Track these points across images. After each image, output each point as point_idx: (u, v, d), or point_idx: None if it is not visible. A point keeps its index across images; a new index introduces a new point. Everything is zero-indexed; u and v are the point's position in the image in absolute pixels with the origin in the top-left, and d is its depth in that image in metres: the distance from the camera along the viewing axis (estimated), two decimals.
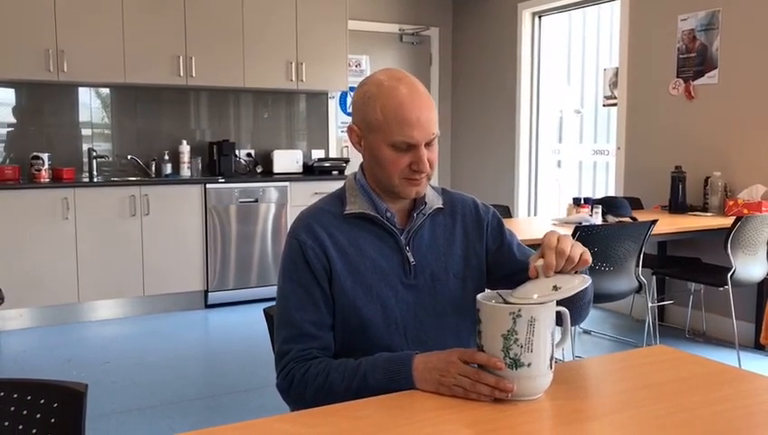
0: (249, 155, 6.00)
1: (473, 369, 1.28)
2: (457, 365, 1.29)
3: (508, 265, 1.62)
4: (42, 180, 4.93)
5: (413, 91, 1.46)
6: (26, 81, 5.05)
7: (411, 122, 1.44)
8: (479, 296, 1.30)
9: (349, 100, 6.47)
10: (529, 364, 1.24)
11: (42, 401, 1.22)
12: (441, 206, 1.62)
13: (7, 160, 5.13)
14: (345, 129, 6.41)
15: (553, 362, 1.29)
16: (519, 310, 1.24)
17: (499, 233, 1.66)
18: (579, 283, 1.29)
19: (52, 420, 1.22)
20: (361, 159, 1.61)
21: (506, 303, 1.30)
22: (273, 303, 1.78)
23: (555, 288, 1.27)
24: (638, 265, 3.57)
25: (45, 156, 4.98)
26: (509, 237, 1.67)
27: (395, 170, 1.48)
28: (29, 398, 1.22)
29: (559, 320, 1.32)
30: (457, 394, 1.27)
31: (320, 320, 1.49)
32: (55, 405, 1.22)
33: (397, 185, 1.50)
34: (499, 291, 1.35)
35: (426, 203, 1.57)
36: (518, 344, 1.24)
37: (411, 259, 1.54)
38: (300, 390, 1.44)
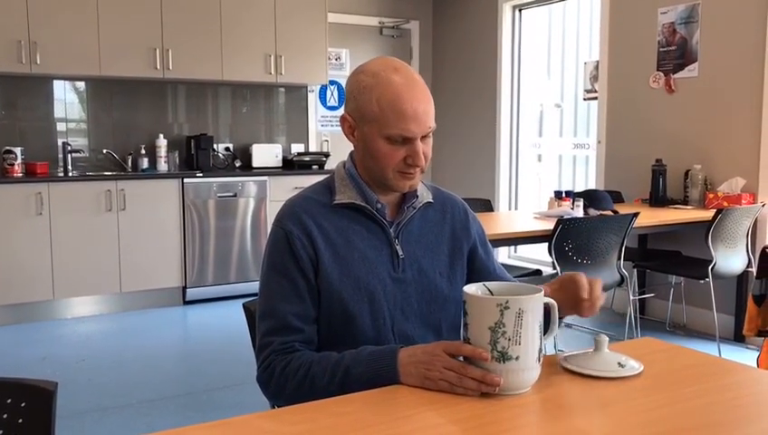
0: (227, 149, 5.93)
1: (459, 362, 1.24)
2: (443, 358, 1.25)
3: (487, 280, 1.59)
4: (15, 175, 4.82)
5: (411, 82, 1.42)
6: None
7: (408, 115, 1.39)
8: (465, 288, 1.27)
9: (329, 93, 6.42)
10: (517, 357, 1.21)
11: (9, 401, 1.16)
12: (431, 200, 1.58)
13: None
14: (325, 122, 6.39)
15: (542, 355, 1.26)
16: (507, 302, 1.20)
17: (484, 245, 1.65)
18: (639, 365, 1.34)
19: (20, 421, 1.16)
20: (350, 149, 1.57)
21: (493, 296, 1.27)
22: (253, 298, 1.73)
23: (620, 365, 1.33)
24: (619, 259, 3.57)
25: (18, 150, 4.88)
26: (490, 251, 1.67)
27: (389, 163, 1.44)
28: None
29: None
30: (443, 389, 1.24)
31: (304, 312, 1.45)
32: (23, 405, 1.17)
33: (390, 178, 1.46)
34: (485, 283, 1.32)
35: (416, 196, 1.54)
36: (506, 337, 1.21)
37: (400, 252, 1.51)
38: (280, 383, 1.40)
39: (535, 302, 1.23)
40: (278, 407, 1.48)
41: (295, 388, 1.38)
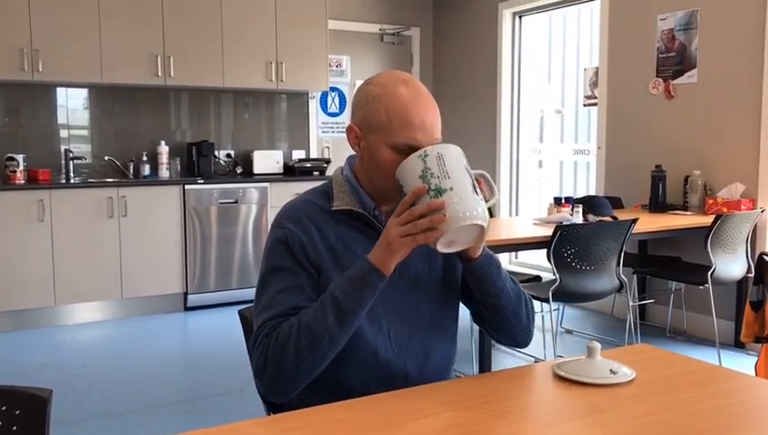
0: (229, 156, 5.94)
1: (406, 211, 1.30)
2: (393, 220, 1.32)
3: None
4: (17, 182, 4.85)
5: (418, 93, 1.44)
6: (0, 80, 4.96)
7: (415, 125, 1.40)
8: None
9: (329, 100, 6.43)
10: (451, 188, 1.28)
11: (3, 408, 1.17)
12: None
13: None
14: (326, 128, 6.40)
15: (478, 190, 1.32)
16: (425, 151, 1.31)
17: None
18: (631, 372, 1.37)
19: (14, 428, 1.17)
20: (347, 155, 1.58)
21: None
22: (251, 305, 1.74)
23: (612, 371, 1.35)
24: (618, 265, 3.57)
25: (20, 157, 4.90)
26: None
27: (393, 173, 1.43)
28: None
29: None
30: (409, 244, 1.30)
31: (304, 304, 1.42)
32: (18, 412, 1.17)
33: (392, 189, 1.45)
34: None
35: None
36: (434, 176, 1.29)
37: None
38: (276, 355, 1.35)
39: (452, 149, 1.33)
40: (273, 413, 1.49)
41: (294, 349, 1.34)
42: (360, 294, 1.34)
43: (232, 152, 5.96)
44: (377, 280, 1.35)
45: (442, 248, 1.33)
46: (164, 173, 5.49)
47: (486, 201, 1.33)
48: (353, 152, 1.55)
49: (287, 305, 1.40)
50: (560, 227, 3.36)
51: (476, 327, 3.41)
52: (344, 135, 1.54)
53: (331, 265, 1.45)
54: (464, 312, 1.61)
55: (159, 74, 5.26)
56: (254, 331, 1.42)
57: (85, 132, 5.45)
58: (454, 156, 1.32)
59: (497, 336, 1.57)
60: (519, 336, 1.53)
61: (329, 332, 1.33)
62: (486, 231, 1.34)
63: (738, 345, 4.21)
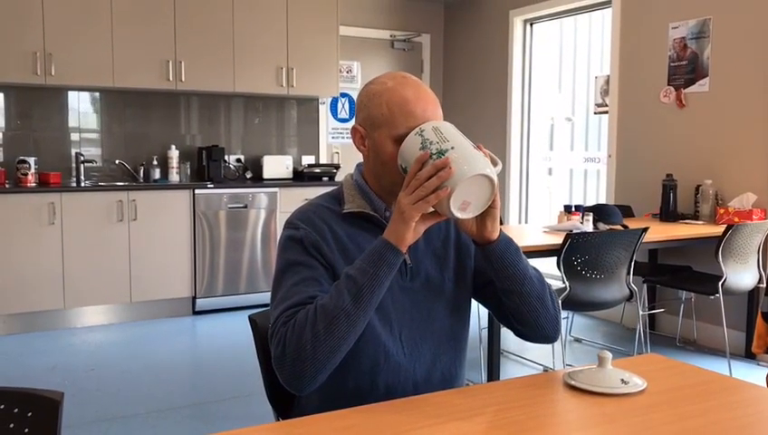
0: (239, 160, 5.96)
1: (414, 178, 1.30)
2: (403, 192, 1.32)
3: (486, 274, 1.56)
4: (28, 185, 4.87)
5: (418, 87, 1.46)
6: (13, 84, 5.00)
7: (417, 115, 1.42)
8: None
9: (340, 105, 6.45)
10: (452, 147, 1.29)
11: (15, 411, 1.17)
12: None
13: None
14: (336, 134, 6.41)
15: (478, 148, 1.33)
16: (420, 128, 1.35)
17: None
18: (643, 382, 1.36)
19: (26, 431, 1.17)
20: (355, 163, 1.59)
21: None
22: (260, 310, 1.74)
23: (623, 381, 1.34)
24: (628, 273, 3.55)
25: (32, 160, 4.93)
26: None
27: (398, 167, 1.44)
28: (2, 407, 1.18)
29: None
30: (424, 210, 1.30)
31: (321, 295, 1.39)
32: (30, 414, 1.18)
33: (399, 184, 1.44)
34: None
35: None
36: (434, 143, 1.31)
37: (408, 261, 1.51)
38: (294, 342, 1.32)
39: (446, 123, 1.37)
40: (283, 419, 1.49)
41: (312, 333, 1.31)
42: (377, 270, 1.32)
43: (242, 157, 5.98)
44: (392, 256, 1.33)
45: (458, 213, 1.30)
46: (174, 177, 5.51)
47: None
48: (362, 159, 1.56)
49: (304, 295, 1.38)
50: (570, 235, 3.35)
51: (485, 335, 3.39)
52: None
53: (343, 265, 1.44)
54: (472, 320, 1.60)
55: (171, 79, 5.29)
56: (272, 323, 1.40)
57: (96, 136, 5.48)
58: (449, 126, 1.35)
59: (525, 330, 1.51)
60: (548, 326, 1.49)
61: (345, 311, 1.31)
62: (496, 190, 1.32)
63: (749, 356, 4.18)
